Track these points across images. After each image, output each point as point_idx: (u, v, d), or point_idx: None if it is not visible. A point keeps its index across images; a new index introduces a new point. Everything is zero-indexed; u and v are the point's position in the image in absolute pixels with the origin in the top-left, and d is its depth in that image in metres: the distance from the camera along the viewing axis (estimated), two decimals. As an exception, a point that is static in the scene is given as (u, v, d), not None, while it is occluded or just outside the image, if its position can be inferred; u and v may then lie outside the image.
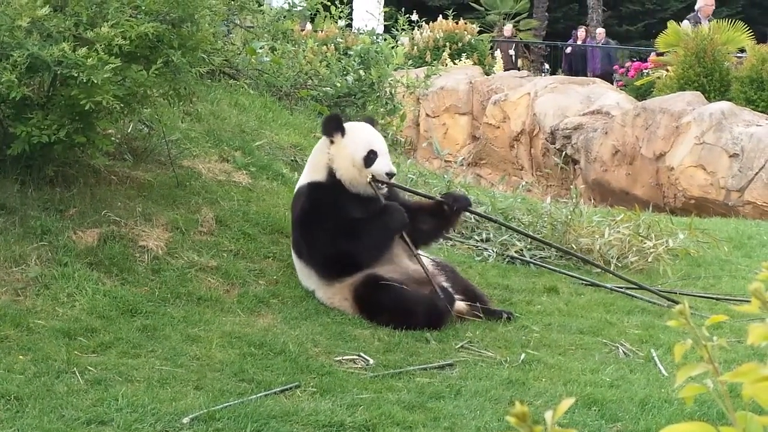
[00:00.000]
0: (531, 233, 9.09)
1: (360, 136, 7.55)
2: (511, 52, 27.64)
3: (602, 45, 31.11)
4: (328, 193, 7.39)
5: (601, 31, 32.04)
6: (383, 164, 7.46)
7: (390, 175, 7.50)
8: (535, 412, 5.69)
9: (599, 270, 9.04)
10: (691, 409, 5.71)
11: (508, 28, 32.06)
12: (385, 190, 7.55)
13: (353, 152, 7.43)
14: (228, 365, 6.20)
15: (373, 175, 7.43)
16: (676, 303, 7.79)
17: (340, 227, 7.30)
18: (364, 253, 7.31)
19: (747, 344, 2.22)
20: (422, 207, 7.88)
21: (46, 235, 7.23)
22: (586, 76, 27.15)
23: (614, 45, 32.49)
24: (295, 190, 7.73)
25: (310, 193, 7.48)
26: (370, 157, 7.43)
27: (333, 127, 7.51)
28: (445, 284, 7.45)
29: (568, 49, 31.50)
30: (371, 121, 7.93)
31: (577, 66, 30.44)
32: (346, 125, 7.58)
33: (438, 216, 7.66)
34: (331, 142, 7.50)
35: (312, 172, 7.59)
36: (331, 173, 7.46)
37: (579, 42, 31.30)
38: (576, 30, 32.33)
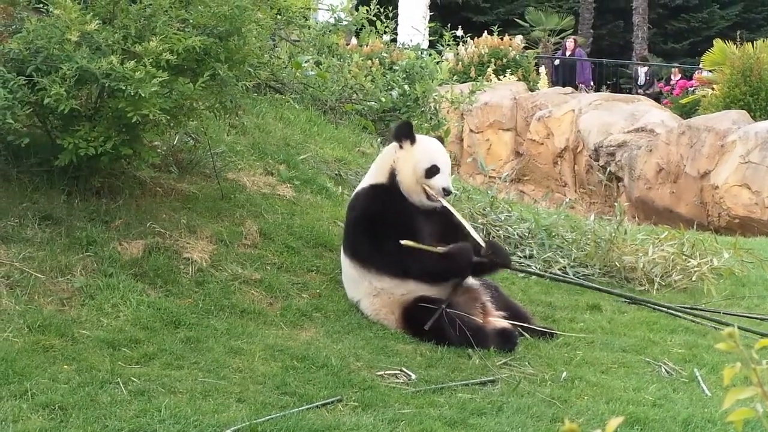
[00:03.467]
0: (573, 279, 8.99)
1: (428, 148, 7.64)
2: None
3: (578, 58, 31.08)
4: (390, 196, 7.45)
5: (570, 43, 31.74)
6: (442, 180, 7.51)
7: (446, 191, 7.52)
8: (577, 430, 5.67)
9: (643, 287, 9.02)
10: (735, 431, 5.67)
11: (516, 41, 31.56)
12: (438, 205, 7.54)
13: (417, 161, 7.50)
14: (270, 378, 6.21)
15: (429, 187, 7.47)
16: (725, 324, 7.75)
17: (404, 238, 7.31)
18: (421, 278, 7.35)
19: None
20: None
21: (91, 245, 7.28)
22: (575, 87, 27.16)
23: (586, 58, 32.56)
24: (355, 193, 7.77)
25: (372, 195, 7.54)
26: (432, 170, 7.49)
27: (404, 133, 7.59)
28: (488, 301, 7.49)
29: (557, 62, 31.31)
30: (441, 141, 8.02)
31: (565, 77, 30.31)
32: (418, 136, 7.68)
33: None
34: (400, 147, 7.55)
35: (375, 175, 7.66)
36: (392, 176, 7.52)
37: (569, 53, 31.18)
38: (565, 41, 32.21)
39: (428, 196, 7.49)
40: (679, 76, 30.16)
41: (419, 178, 7.46)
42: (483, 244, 7.57)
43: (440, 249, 7.23)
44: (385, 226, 7.37)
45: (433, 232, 7.46)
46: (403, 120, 7.69)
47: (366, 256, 7.47)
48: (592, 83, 31.68)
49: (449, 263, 7.26)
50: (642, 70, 31.97)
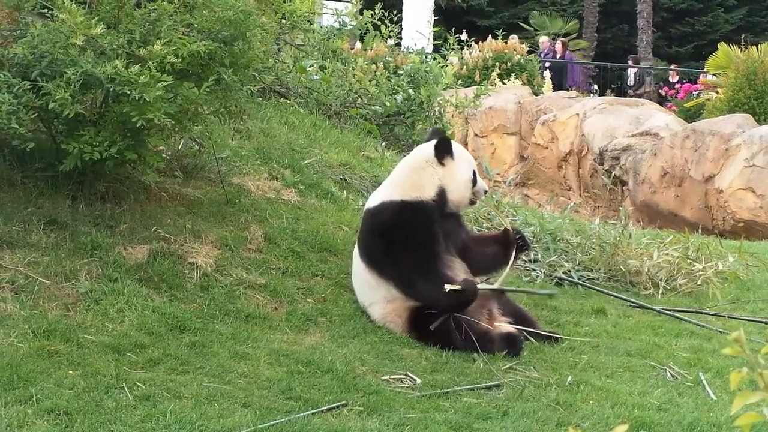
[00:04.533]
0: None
1: (464, 158, 7.78)
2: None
3: (569, 61, 31.05)
4: (423, 214, 7.44)
5: (559, 46, 31.57)
6: (482, 183, 7.83)
7: (485, 192, 7.91)
8: (582, 434, 5.70)
9: (648, 291, 9.02)
10: (741, 435, 5.66)
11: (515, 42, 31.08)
12: (476, 205, 8.07)
13: (465, 176, 7.64)
14: (275, 383, 6.21)
15: (473, 193, 7.71)
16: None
17: (423, 259, 7.36)
18: (422, 296, 7.36)
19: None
20: (485, 237, 8.16)
21: (96, 250, 7.27)
22: (564, 89, 27.06)
23: (577, 60, 32.56)
24: (379, 203, 7.64)
25: (405, 212, 7.47)
26: (474, 177, 7.69)
27: (447, 150, 7.62)
28: (494, 307, 7.50)
29: (547, 63, 31.19)
30: (443, 133, 8.03)
31: (558, 79, 30.20)
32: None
33: (499, 247, 7.80)
34: (441, 164, 7.57)
35: (408, 190, 7.54)
36: (440, 193, 7.52)
37: (558, 55, 31.11)
38: (554, 43, 32.08)
39: (471, 201, 7.81)
40: (677, 77, 30.19)
41: (469, 189, 7.65)
42: (510, 227, 7.94)
43: (457, 287, 7.22)
44: (408, 244, 7.38)
45: (447, 237, 7.53)
46: (442, 136, 7.70)
47: (383, 268, 7.46)
48: (596, 87, 31.65)
49: (458, 298, 7.24)
50: (632, 71, 32.05)
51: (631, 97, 28.84)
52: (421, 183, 7.54)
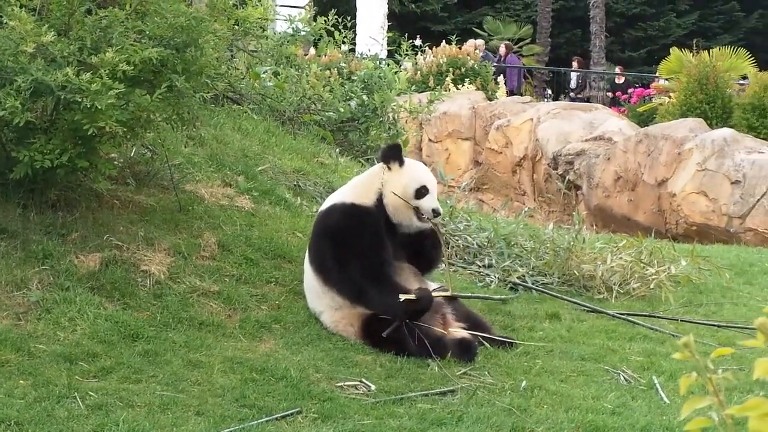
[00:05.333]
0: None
1: (417, 170, 7.69)
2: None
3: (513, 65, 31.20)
4: (373, 219, 7.43)
5: (480, 43, 31.44)
6: (431, 201, 7.55)
7: (436, 212, 7.57)
8: (536, 439, 5.71)
9: (601, 296, 9.05)
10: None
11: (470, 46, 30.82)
12: (427, 226, 7.62)
13: (406, 183, 7.51)
14: (229, 391, 6.19)
15: (417, 209, 7.50)
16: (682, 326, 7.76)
17: (373, 266, 7.32)
18: (375, 305, 7.32)
19: (753, 377, 2.22)
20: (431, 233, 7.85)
21: (47, 259, 7.22)
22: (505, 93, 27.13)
23: (520, 64, 32.71)
24: (329, 205, 7.69)
25: (350, 214, 7.47)
26: (421, 192, 7.51)
27: (393, 155, 7.61)
28: (448, 312, 7.49)
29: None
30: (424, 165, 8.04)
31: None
32: (406, 159, 7.70)
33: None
34: (388, 168, 7.55)
35: (358, 195, 7.58)
36: (380, 198, 7.51)
37: (502, 58, 31.21)
38: (494, 46, 32.19)
39: (419, 217, 7.54)
40: (623, 79, 30.38)
41: (409, 200, 7.48)
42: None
43: (412, 296, 7.19)
44: (355, 249, 7.35)
45: (398, 248, 7.50)
46: (392, 142, 7.69)
47: (329, 274, 7.44)
48: (550, 92, 31.76)
49: (413, 307, 7.20)
50: (573, 74, 32.21)
51: (573, 99, 29.04)
52: (369, 187, 7.56)
